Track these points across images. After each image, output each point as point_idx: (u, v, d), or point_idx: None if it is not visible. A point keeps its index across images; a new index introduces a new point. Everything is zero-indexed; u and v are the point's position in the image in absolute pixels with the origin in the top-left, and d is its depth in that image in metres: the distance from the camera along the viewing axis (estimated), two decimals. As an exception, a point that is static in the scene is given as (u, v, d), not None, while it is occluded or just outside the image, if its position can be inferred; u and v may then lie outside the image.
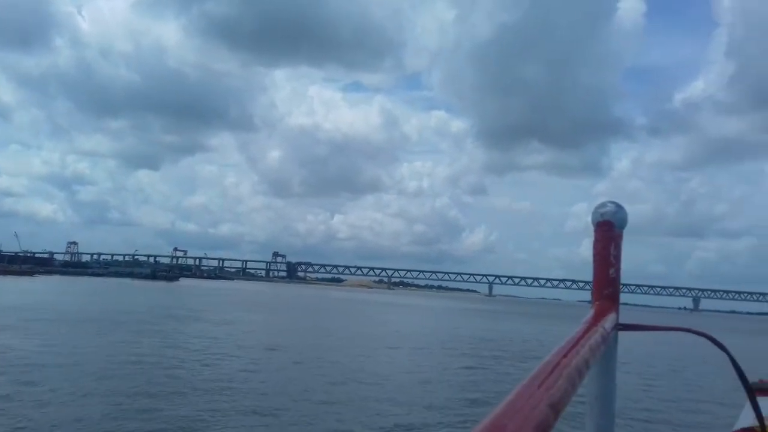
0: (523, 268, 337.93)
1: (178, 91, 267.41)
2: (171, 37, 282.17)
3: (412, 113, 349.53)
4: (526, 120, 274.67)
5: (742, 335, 45.79)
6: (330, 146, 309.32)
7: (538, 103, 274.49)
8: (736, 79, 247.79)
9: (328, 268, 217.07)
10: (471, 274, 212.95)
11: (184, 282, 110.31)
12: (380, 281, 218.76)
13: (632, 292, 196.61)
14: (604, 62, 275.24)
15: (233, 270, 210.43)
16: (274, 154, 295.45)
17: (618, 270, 1.48)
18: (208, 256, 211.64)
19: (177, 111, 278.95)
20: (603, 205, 1.48)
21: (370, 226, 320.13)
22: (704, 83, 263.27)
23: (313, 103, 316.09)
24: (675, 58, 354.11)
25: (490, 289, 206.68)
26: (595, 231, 1.48)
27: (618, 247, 1.47)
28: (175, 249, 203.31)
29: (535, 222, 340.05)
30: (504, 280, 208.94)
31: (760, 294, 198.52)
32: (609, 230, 1.46)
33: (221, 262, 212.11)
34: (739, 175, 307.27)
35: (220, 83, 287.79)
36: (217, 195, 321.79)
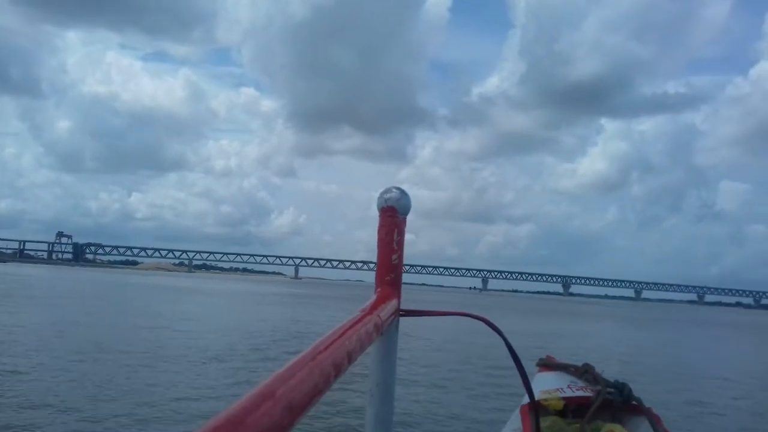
0: (330, 250, 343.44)
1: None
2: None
3: (221, 89, 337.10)
4: (337, 104, 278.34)
5: (525, 314, 48.86)
6: (129, 118, 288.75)
7: (349, 89, 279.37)
8: (526, 77, 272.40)
9: (122, 250, 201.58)
10: (277, 257, 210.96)
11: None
12: (181, 264, 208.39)
13: (429, 273, 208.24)
14: (411, 53, 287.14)
15: (9, 252, 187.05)
16: (64, 124, 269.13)
17: (401, 256, 1.46)
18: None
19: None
20: (388, 190, 1.45)
21: (172, 205, 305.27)
22: (498, 80, 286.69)
23: (111, 70, 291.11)
24: (475, 53, 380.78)
25: (296, 271, 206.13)
26: (380, 217, 1.45)
27: (401, 234, 1.45)
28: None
29: (342, 205, 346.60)
30: (310, 262, 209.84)
31: (538, 274, 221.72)
32: (393, 216, 1.44)
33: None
34: (523, 167, 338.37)
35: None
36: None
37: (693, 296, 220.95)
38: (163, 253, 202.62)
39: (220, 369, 13.04)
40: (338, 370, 0.86)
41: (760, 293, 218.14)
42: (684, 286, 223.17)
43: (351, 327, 1.02)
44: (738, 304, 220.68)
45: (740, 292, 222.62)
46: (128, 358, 13.37)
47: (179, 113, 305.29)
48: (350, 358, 0.93)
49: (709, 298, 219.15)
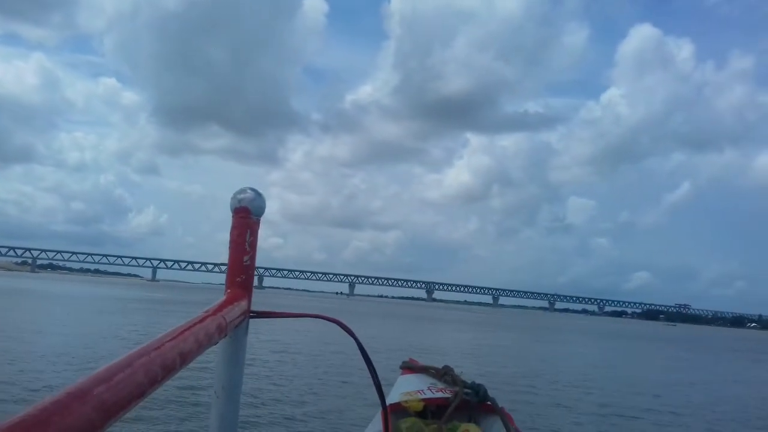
0: (192, 252, 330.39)
1: None
2: None
3: (78, 78, 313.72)
4: (207, 102, 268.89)
5: (394, 319, 48.61)
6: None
7: (220, 87, 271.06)
8: (398, 89, 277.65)
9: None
10: (133, 258, 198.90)
11: None
12: (23, 263, 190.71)
13: (296, 278, 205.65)
14: (286, 55, 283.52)
15: None
16: None
17: (253, 257, 1.45)
18: None
19: None
20: (242, 191, 1.44)
21: (17, 200, 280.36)
22: (372, 89, 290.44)
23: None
24: (350, 61, 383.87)
25: (154, 273, 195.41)
26: (233, 217, 1.44)
27: (254, 235, 1.44)
28: None
29: (207, 206, 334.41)
30: (170, 264, 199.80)
31: (403, 280, 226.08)
32: (246, 217, 1.43)
33: None
34: (392, 175, 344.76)
35: None
36: None
37: (545, 303, 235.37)
38: (3, 250, 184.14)
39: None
40: (168, 371, 0.83)
41: (604, 301, 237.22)
42: (537, 293, 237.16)
43: (189, 328, 0.98)
44: (584, 311, 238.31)
45: (586, 299, 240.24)
46: None
47: (29, 101, 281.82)
48: (184, 359, 0.90)
49: (558, 305, 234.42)
